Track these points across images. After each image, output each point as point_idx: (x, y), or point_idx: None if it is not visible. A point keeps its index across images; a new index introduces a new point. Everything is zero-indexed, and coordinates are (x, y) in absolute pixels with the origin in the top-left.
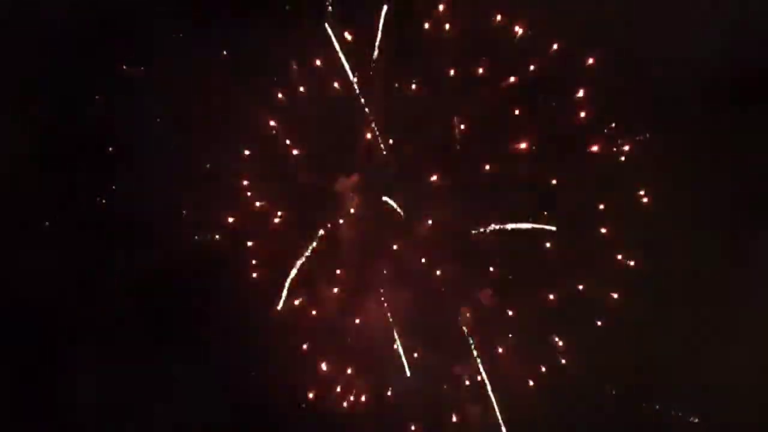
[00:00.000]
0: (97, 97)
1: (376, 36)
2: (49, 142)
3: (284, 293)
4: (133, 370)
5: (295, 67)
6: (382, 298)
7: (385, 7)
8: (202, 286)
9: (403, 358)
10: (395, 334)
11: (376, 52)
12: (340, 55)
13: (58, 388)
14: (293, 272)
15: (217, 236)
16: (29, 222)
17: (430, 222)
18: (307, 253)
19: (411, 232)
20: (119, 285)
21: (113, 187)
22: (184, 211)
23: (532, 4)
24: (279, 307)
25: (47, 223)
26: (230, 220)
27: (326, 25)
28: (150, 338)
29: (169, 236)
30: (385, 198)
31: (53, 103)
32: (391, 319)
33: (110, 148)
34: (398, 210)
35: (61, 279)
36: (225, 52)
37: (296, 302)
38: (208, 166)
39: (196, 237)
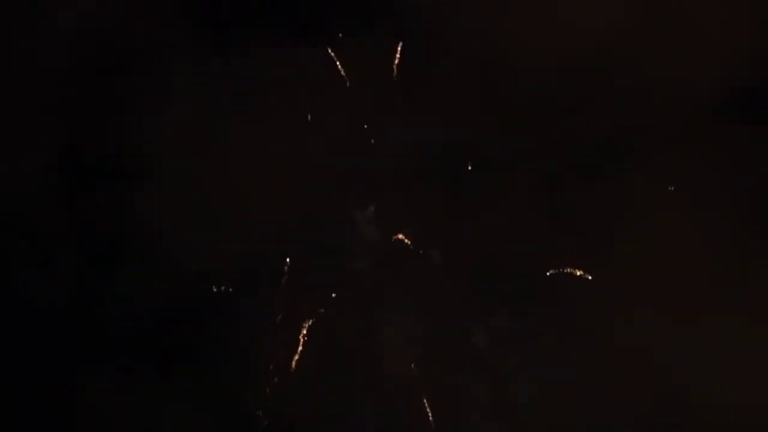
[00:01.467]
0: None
1: (390, 68)
2: (65, 164)
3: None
4: (142, 387)
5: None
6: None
7: (400, 44)
8: (214, 322)
9: (428, 410)
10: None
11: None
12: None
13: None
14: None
15: (230, 288)
16: (43, 240)
17: (444, 252)
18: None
19: (426, 262)
20: (131, 307)
21: (128, 208)
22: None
23: (544, 23)
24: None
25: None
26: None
27: (331, 52)
28: (160, 359)
29: (182, 264)
30: (399, 236)
31: (67, 126)
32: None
33: (126, 170)
34: (410, 244)
35: (74, 296)
36: (238, 77)
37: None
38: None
39: (214, 288)
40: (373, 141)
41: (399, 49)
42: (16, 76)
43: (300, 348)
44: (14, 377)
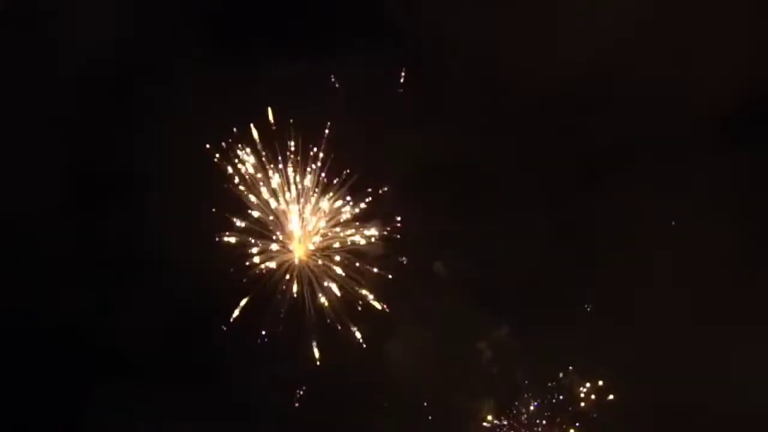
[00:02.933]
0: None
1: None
2: (75, 182)
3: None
4: (156, 406)
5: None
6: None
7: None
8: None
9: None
10: None
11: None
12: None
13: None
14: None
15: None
16: (55, 259)
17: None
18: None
19: (431, 278)
20: (144, 321)
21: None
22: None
23: (547, 36)
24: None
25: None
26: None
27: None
28: (174, 377)
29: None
30: (403, 258)
31: (78, 144)
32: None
33: (136, 188)
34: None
35: (87, 315)
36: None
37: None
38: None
39: (225, 331)
40: (379, 155)
41: (402, 74)
42: (27, 92)
43: (308, 363)
44: (24, 391)
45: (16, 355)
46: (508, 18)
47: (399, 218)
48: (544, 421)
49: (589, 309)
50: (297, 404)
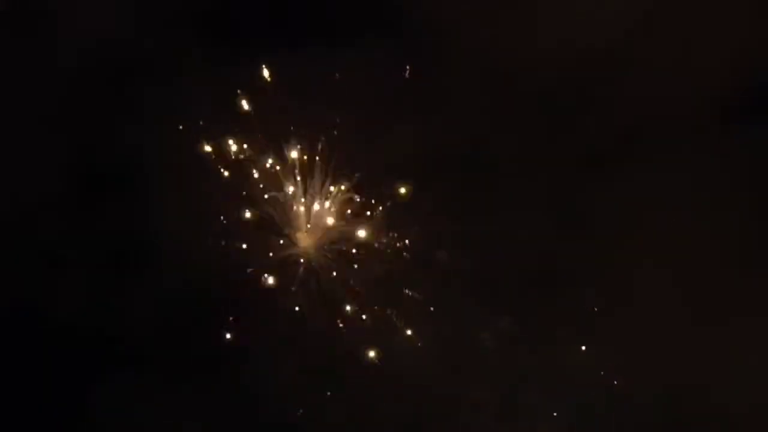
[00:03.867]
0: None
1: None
2: (74, 176)
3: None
4: (156, 405)
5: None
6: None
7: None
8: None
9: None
10: None
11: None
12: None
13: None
14: None
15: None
16: (56, 254)
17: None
18: None
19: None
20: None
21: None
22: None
23: (549, 28)
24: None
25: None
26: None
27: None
28: (175, 376)
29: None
30: (407, 239)
31: (77, 138)
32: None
33: (136, 182)
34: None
35: (88, 309)
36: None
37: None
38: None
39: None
40: (381, 145)
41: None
42: (27, 86)
43: (309, 352)
44: (23, 391)
45: (15, 354)
46: (510, 16)
47: (402, 214)
48: (553, 414)
49: (595, 309)
50: (299, 410)
